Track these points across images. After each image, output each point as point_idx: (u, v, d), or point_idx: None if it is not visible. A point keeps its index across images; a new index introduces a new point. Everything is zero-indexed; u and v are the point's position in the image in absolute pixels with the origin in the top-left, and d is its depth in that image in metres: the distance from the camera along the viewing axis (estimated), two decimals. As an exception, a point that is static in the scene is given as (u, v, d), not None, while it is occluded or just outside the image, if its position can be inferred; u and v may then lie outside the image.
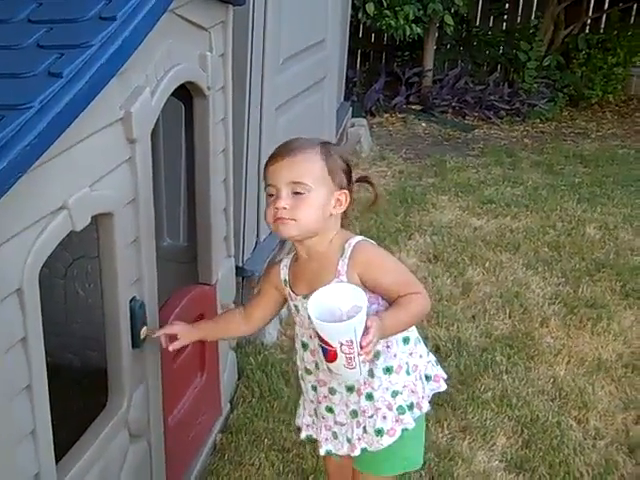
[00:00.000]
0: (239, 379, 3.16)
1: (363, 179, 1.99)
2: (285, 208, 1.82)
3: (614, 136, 7.08)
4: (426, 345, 2.04)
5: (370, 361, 1.83)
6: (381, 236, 4.46)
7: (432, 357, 2.06)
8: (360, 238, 1.91)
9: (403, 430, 1.94)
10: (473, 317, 3.76)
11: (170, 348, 2.09)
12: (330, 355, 1.74)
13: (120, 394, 2.01)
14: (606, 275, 4.18)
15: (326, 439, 2.03)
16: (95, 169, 1.75)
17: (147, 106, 1.93)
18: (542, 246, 4.54)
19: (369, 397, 1.93)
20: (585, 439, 2.92)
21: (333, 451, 2.03)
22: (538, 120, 7.37)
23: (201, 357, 2.59)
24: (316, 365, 1.96)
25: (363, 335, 1.70)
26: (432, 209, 5.09)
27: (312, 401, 2.04)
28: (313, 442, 2.14)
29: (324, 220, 1.87)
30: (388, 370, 1.91)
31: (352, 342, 1.70)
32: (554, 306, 3.88)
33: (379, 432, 1.93)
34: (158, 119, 2.07)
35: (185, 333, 2.12)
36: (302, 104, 4.10)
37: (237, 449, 2.80)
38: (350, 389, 1.93)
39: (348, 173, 1.91)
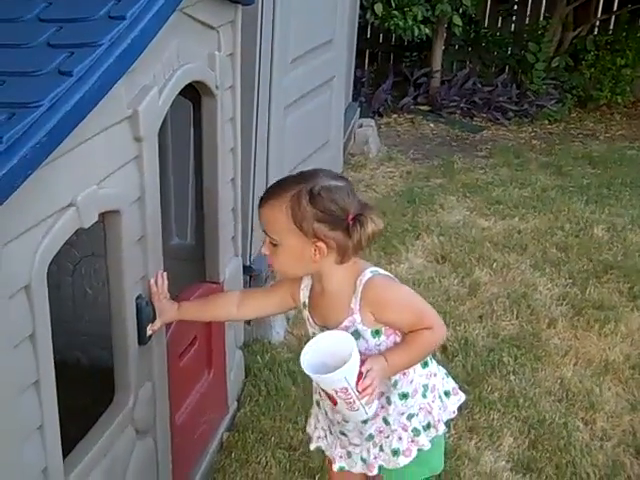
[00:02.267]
0: (246, 378, 3.17)
1: (355, 219, 1.77)
2: (268, 255, 1.84)
3: (622, 137, 7.06)
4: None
5: (381, 395, 1.85)
6: (388, 236, 4.46)
7: (442, 370, 2.05)
8: (370, 273, 1.84)
9: (419, 450, 1.94)
10: (480, 317, 3.76)
11: (149, 330, 2.04)
12: (332, 400, 1.78)
13: (126, 391, 2.02)
14: (614, 277, 4.17)
15: (340, 457, 2.03)
16: (103, 167, 1.76)
17: (154, 105, 1.94)
18: (550, 247, 4.53)
19: (385, 421, 1.94)
20: (592, 440, 2.92)
21: (347, 468, 2.03)
22: (546, 121, 7.35)
23: (208, 355, 2.60)
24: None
25: (361, 380, 1.71)
26: (440, 210, 5.09)
27: (325, 419, 2.03)
28: (322, 452, 2.15)
29: (308, 267, 1.84)
30: (404, 396, 1.92)
31: (346, 389, 1.71)
32: (561, 307, 3.87)
33: (395, 452, 1.94)
34: (166, 118, 2.08)
35: (165, 311, 2.08)
36: (310, 104, 4.11)
37: (244, 447, 2.81)
38: (365, 421, 1.92)
39: (331, 219, 1.76)
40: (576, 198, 5.33)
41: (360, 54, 6.96)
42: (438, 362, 2.10)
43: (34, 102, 1.47)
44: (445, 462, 2.70)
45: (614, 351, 3.50)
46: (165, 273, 2.11)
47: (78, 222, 1.66)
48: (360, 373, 1.72)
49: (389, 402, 1.91)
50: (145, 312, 2.01)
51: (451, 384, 2.04)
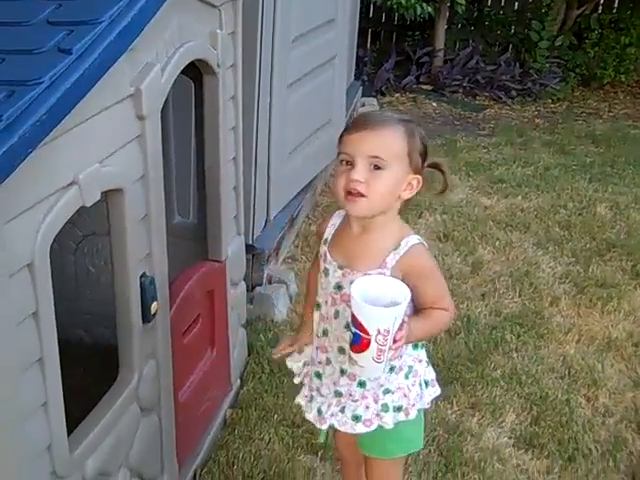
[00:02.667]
0: (249, 355, 3.19)
1: (434, 165, 1.90)
2: (360, 181, 1.76)
3: (626, 116, 7.04)
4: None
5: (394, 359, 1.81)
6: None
7: (426, 358, 2.03)
8: (417, 239, 1.87)
9: (379, 426, 1.93)
10: (483, 296, 3.77)
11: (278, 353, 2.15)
12: (362, 344, 1.70)
13: (130, 369, 2.04)
14: (617, 255, 4.17)
15: (305, 395, 2.05)
16: (105, 145, 1.76)
17: (157, 83, 1.94)
18: (553, 226, 4.53)
19: (361, 385, 1.93)
20: (594, 416, 2.94)
21: (303, 408, 2.05)
22: (550, 100, 7.32)
23: (211, 333, 2.61)
24: (323, 332, 1.96)
25: (398, 330, 1.70)
26: (442, 189, 5.07)
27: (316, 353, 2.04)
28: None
29: (392, 204, 1.84)
30: (391, 369, 1.91)
31: (388, 332, 1.67)
32: (564, 285, 3.88)
33: (356, 418, 1.93)
34: (168, 97, 2.08)
35: (301, 341, 2.11)
36: (312, 83, 4.10)
37: (247, 424, 2.83)
38: (343, 372, 1.93)
39: (424, 157, 1.85)
40: (579, 177, 5.32)
41: (362, 33, 6.92)
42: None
43: (34, 80, 1.47)
44: (447, 438, 2.75)
45: (617, 328, 3.50)
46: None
47: (80, 200, 1.66)
48: (402, 322, 1.70)
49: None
50: (149, 290, 2.02)
51: (431, 375, 2.02)
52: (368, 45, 8.05)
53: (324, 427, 1.99)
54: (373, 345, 1.68)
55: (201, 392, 2.53)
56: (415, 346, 1.95)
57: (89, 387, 1.99)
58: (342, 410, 1.95)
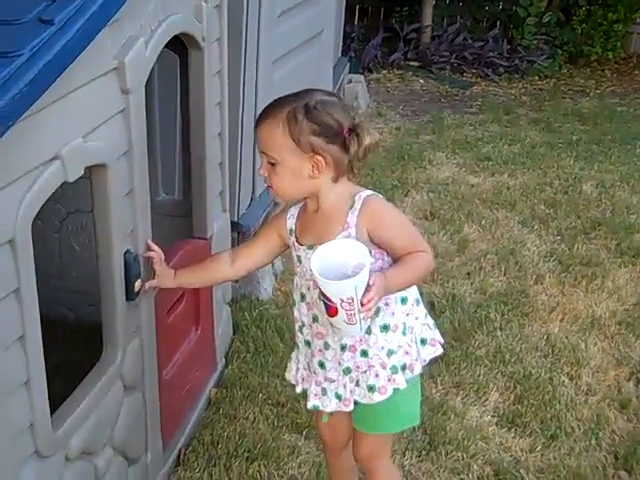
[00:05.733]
0: (234, 334, 3.18)
1: (351, 131, 1.83)
2: (265, 176, 1.85)
3: (613, 94, 7.04)
4: (422, 303, 2.03)
5: (371, 317, 1.83)
6: (377, 193, 4.43)
7: (430, 320, 2.04)
8: (370, 192, 1.89)
9: (395, 389, 1.94)
10: (468, 274, 3.77)
11: (146, 285, 2.07)
12: (331, 310, 1.74)
13: (114, 346, 2.02)
14: (602, 233, 4.18)
15: (315, 394, 2.02)
16: (88, 120, 1.73)
17: (141, 56, 1.90)
18: (538, 204, 4.54)
19: (364, 354, 1.93)
20: (577, 395, 2.95)
21: (320, 407, 2.02)
22: (537, 77, 7.31)
23: (195, 312, 2.59)
24: (313, 318, 1.95)
25: (365, 293, 1.70)
26: (429, 166, 5.07)
27: (306, 355, 2.04)
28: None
29: (307, 185, 1.85)
30: (385, 328, 1.91)
31: (353, 300, 1.69)
32: (549, 264, 3.88)
33: (371, 388, 1.94)
34: (153, 71, 2.04)
35: (163, 277, 2.10)
36: (299, 58, 4.06)
37: (232, 403, 2.82)
38: (343, 348, 1.93)
39: (323, 133, 1.80)
40: (565, 155, 5.32)
41: (350, 9, 6.86)
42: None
43: (13, 52, 1.43)
44: (431, 417, 2.75)
45: (600, 307, 3.52)
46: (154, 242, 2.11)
47: (63, 175, 1.64)
48: (368, 285, 1.71)
49: (369, 332, 1.89)
50: (133, 267, 2.00)
51: (429, 334, 2.01)
52: (355, 21, 7.99)
53: (351, 407, 1.98)
54: (341, 311, 1.72)
55: (186, 371, 2.52)
56: (402, 300, 1.93)
57: (74, 365, 1.97)
58: (357, 384, 1.95)
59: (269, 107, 1.86)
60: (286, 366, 2.14)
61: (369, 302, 1.71)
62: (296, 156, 1.81)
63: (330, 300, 1.72)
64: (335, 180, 1.86)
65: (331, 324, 1.80)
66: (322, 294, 1.73)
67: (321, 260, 1.73)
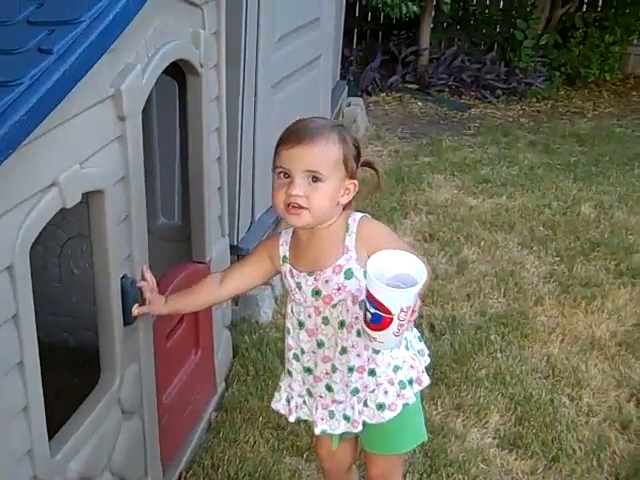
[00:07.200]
0: (234, 358, 3.17)
1: (367, 164, 1.92)
2: (300, 195, 1.77)
3: (611, 115, 7.07)
4: (420, 324, 2.04)
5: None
6: (376, 215, 4.44)
7: (415, 331, 2.06)
8: (360, 213, 1.90)
9: (404, 405, 1.94)
10: (468, 296, 3.77)
11: (134, 311, 2.04)
12: (384, 322, 1.69)
13: (112, 371, 2.02)
14: (601, 254, 4.19)
15: (322, 418, 2.01)
16: (85, 146, 1.75)
17: (138, 84, 1.92)
18: (537, 225, 4.55)
19: (371, 373, 1.93)
20: (578, 416, 2.94)
21: (329, 431, 2.01)
22: (534, 99, 7.34)
23: (195, 335, 2.59)
24: (318, 344, 1.93)
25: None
26: (428, 188, 5.09)
27: (304, 382, 2.02)
28: (304, 422, 2.15)
29: (333, 210, 1.84)
30: None
31: (409, 308, 1.69)
32: (549, 285, 3.89)
33: (380, 407, 1.94)
34: (151, 97, 2.06)
35: (154, 304, 2.08)
36: (297, 83, 4.08)
37: (232, 427, 2.81)
38: (351, 369, 1.92)
39: (357, 160, 1.86)
40: (563, 176, 5.34)
41: (348, 33, 6.93)
42: (425, 341, 2.11)
43: (14, 80, 1.45)
44: (432, 439, 2.74)
45: (600, 328, 3.51)
46: (149, 269, 2.11)
47: (61, 202, 1.65)
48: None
49: (376, 351, 1.90)
50: (130, 292, 2.01)
51: (421, 345, 2.05)
52: (354, 44, 8.05)
53: (359, 428, 1.97)
54: (395, 322, 1.69)
55: (185, 394, 2.52)
56: None
57: (73, 389, 1.98)
58: (365, 404, 1.95)
59: (310, 129, 1.80)
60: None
61: (417, 309, 1.72)
62: (339, 177, 1.81)
63: (388, 311, 1.67)
64: (345, 207, 1.87)
65: (372, 337, 1.75)
66: (376, 305, 1.68)
67: (374, 268, 1.69)
